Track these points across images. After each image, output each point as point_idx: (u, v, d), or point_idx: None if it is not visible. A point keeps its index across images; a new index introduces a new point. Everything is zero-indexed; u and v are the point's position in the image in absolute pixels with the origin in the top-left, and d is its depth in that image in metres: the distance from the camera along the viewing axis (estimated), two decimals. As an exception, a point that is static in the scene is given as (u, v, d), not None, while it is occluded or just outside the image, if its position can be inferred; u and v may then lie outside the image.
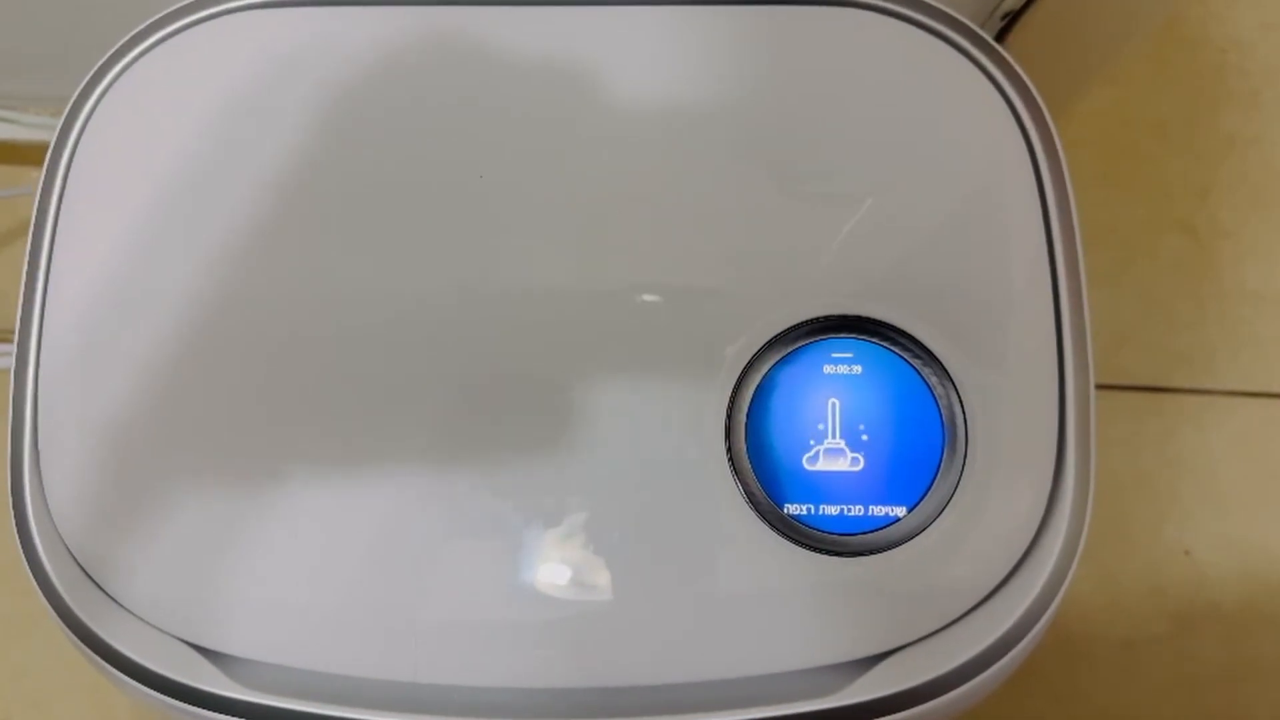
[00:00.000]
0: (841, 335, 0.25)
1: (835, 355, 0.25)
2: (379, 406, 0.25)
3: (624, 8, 0.26)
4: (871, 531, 0.24)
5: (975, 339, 0.24)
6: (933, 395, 0.24)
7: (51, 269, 0.26)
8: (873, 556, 0.24)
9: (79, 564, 0.25)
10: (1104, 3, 0.41)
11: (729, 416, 0.24)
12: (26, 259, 0.26)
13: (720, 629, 0.24)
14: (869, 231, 0.25)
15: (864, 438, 0.24)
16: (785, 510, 0.24)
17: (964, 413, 0.24)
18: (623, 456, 0.24)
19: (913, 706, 0.23)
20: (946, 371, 0.24)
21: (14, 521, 0.25)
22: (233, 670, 0.24)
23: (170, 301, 0.25)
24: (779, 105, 0.26)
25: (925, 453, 0.24)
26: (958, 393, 0.24)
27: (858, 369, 0.24)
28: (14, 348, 0.26)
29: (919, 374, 0.24)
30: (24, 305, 0.26)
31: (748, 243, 0.25)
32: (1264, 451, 0.54)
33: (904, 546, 0.24)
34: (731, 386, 0.24)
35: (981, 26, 0.26)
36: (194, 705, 0.24)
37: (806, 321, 0.25)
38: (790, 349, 0.24)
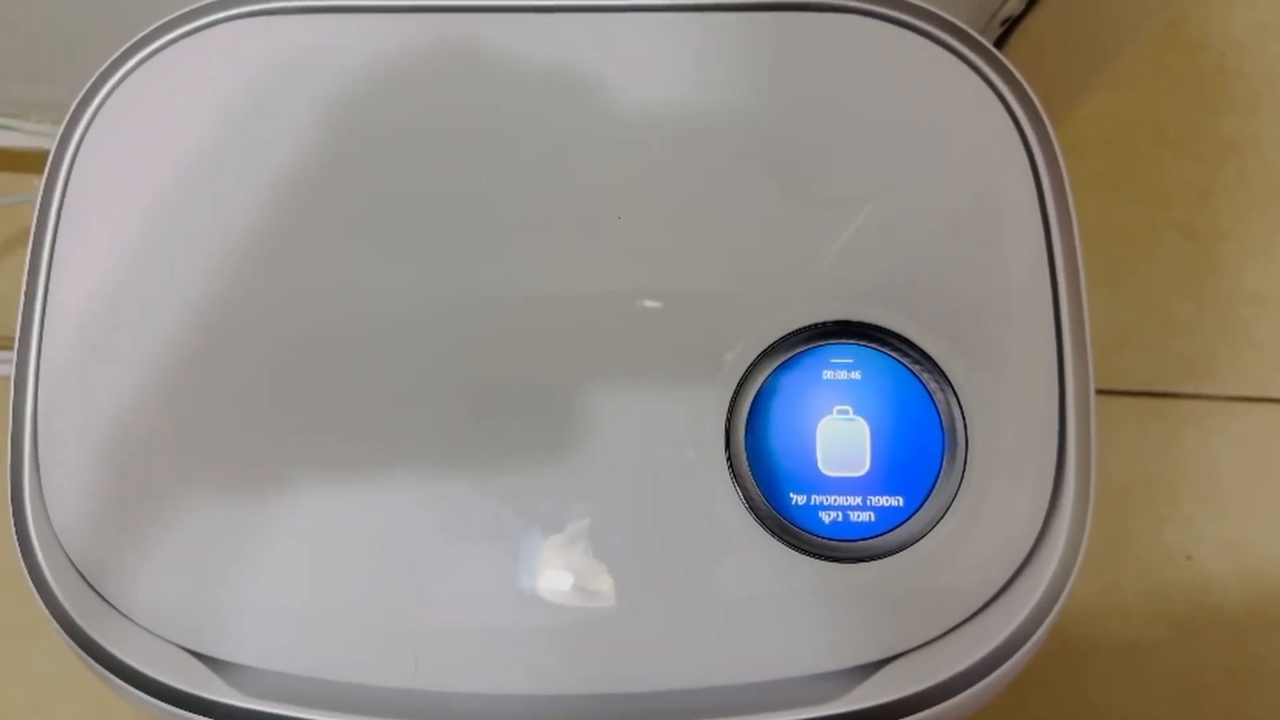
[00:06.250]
0: (841, 341, 0.24)
1: (835, 361, 0.25)
2: (380, 413, 0.25)
3: (623, 14, 0.26)
4: (872, 537, 0.24)
5: (975, 344, 0.24)
6: (932, 400, 0.24)
7: (52, 276, 0.26)
8: (873, 562, 0.24)
9: (79, 571, 0.25)
10: (1103, 8, 0.41)
11: (728, 422, 0.24)
12: (27, 266, 0.26)
13: (721, 635, 0.24)
14: (869, 237, 0.25)
15: (864, 444, 0.24)
16: (785, 516, 0.24)
17: (964, 418, 0.24)
18: (623, 462, 0.24)
19: (915, 712, 0.23)
20: (946, 377, 0.24)
21: (14, 528, 0.25)
22: (233, 677, 0.24)
23: (171, 308, 0.25)
24: (779, 111, 0.26)
25: (925, 458, 0.24)
26: (958, 398, 0.24)
27: (857, 374, 0.24)
28: (14, 354, 0.26)
29: (919, 379, 0.24)
30: (24, 312, 0.26)
31: (747, 248, 0.25)
32: (1265, 456, 0.53)
33: (905, 552, 0.24)
34: (731, 392, 0.24)
35: (981, 32, 0.26)
36: (195, 712, 0.24)
37: (806, 327, 0.24)
38: (789, 355, 0.24)
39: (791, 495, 0.24)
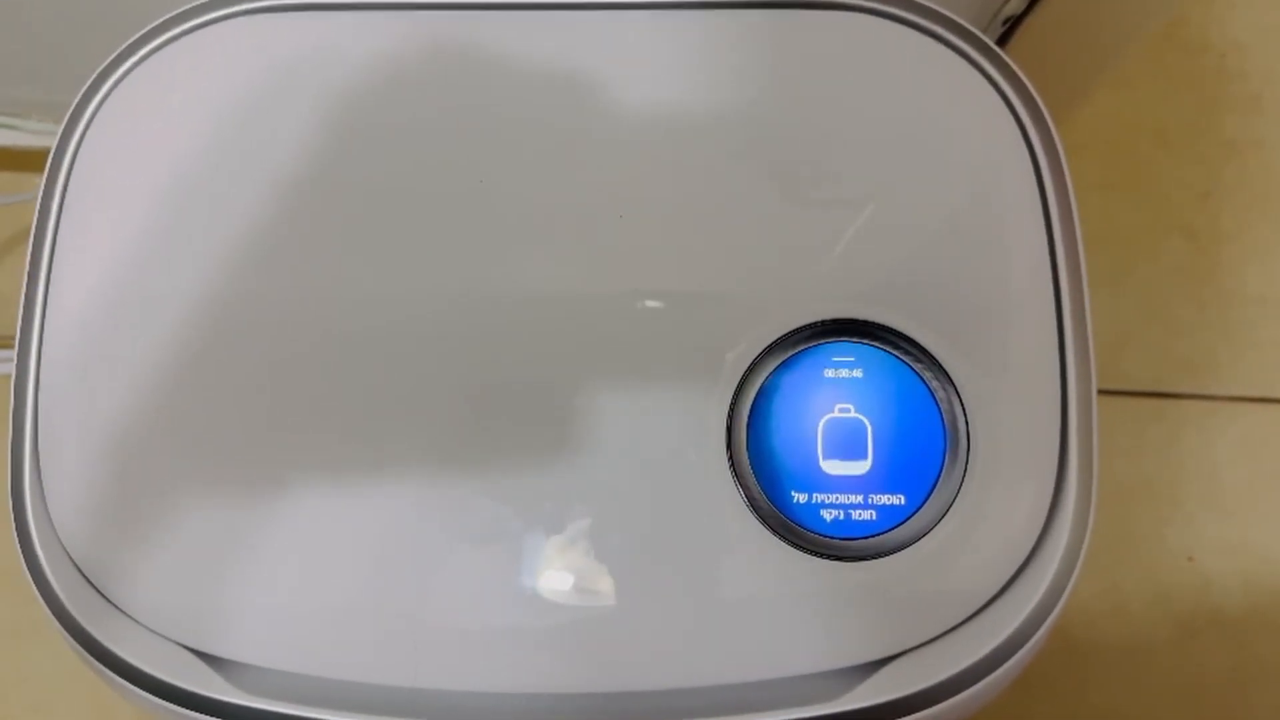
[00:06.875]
0: (842, 339, 0.24)
1: (836, 359, 0.25)
2: (381, 413, 0.25)
3: (623, 12, 0.26)
4: (873, 536, 0.24)
5: (977, 343, 0.24)
6: (934, 399, 0.24)
7: (52, 275, 0.26)
8: (875, 561, 0.24)
9: (80, 570, 0.25)
10: (1105, 7, 0.41)
11: (730, 421, 0.24)
12: (27, 265, 0.26)
13: (722, 634, 0.24)
14: (871, 235, 0.25)
15: (865, 442, 0.24)
16: (786, 514, 0.24)
17: (966, 417, 0.24)
18: (624, 462, 0.24)
19: (916, 712, 0.23)
20: (948, 375, 0.24)
21: (14, 528, 0.25)
22: (235, 676, 0.24)
23: (171, 308, 0.25)
24: (781, 110, 0.26)
25: (927, 457, 0.24)
26: (959, 397, 0.24)
27: (859, 373, 0.24)
28: (14, 354, 0.26)
29: (920, 378, 0.24)
30: (25, 311, 0.26)
31: (749, 247, 0.25)
32: (1267, 456, 0.53)
33: (906, 551, 0.24)
34: (732, 391, 0.24)
35: (983, 31, 0.26)
36: (196, 711, 0.24)
37: (807, 326, 0.24)
38: (791, 353, 0.24)
39: (793, 493, 0.24)
